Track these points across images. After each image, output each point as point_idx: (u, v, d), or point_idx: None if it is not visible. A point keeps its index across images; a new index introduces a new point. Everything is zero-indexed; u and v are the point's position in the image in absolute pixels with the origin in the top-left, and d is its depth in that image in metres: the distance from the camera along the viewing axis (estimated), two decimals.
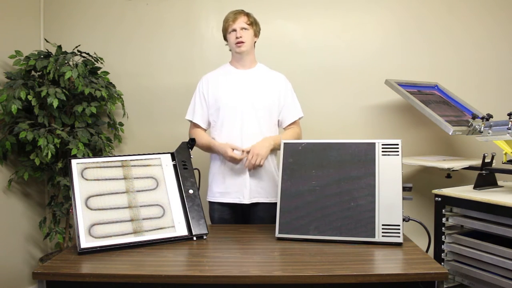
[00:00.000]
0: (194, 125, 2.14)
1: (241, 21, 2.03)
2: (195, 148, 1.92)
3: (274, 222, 2.10)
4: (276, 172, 2.11)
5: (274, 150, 2.09)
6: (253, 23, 2.08)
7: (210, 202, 2.12)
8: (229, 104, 2.04)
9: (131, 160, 1.72)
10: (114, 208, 1.60)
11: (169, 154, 1.80)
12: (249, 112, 2.03)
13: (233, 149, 1.97)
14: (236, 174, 2.04)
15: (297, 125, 2.17)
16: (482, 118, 2.08)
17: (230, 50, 2.14)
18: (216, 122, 2.08)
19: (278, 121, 2.15)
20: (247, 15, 2.07)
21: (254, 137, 2.02)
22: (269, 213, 2.07)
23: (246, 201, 2.04)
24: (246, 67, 2.11)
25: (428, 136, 2.82)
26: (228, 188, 2.06)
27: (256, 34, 2.12)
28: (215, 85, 2.10)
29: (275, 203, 2.07)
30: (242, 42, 2.03)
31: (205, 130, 2.15)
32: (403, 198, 1.56)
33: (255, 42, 2.13)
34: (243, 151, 1.98)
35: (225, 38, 2.13)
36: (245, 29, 2.04)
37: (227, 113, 2.04)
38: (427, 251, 1.59)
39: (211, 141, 2.06)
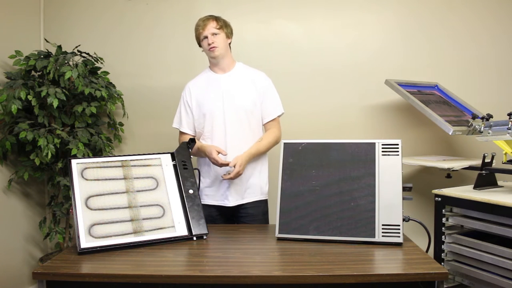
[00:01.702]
0: (182, 133, 2.17)
1: (211, 27, 2.07)
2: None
3: (266, 217, 2.11)
4: (261, 172, 2.14)
5: (256, 157, 2.11)
6: (223, 26, 2.10)
7: None
8: (212, 110, 2.06)
9: (131, 160, 1.72)
10: (114, 208, 1.60)
11: (169, 154, 1.80)
12: (231, 115, 2.05)
13: (218, 152, 1.99)
14: (221, 178, 2.06)
15: (276, 125, 2.17)
16: (482, 118, 2.08)
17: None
18: (204, 128, 2.10)
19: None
20: (216, 19, 2.10)
21: (237, 139, 2.05)
22: (258, 209, 2.12)
23: (231, 204, 2.07)
24: (225, 70, 2.13)
25: (428, 136, 2.81)
26: (214, 190, 2.10)
27: (229, 36, 2.14)
28: (197, 92, 2.12)
29: (263, 200, 2.15)
30: (215, 47, 2.06)
31: (193, 136, 2.16)
32: (403, 198, 1.56)
33: (230, 43, 2.16)
34: (228, 164, 1.98)
35: (200, 46, 2.16)
36: (216, 34, 2.07)
37: (210, 118, 2.07)
38: (427, 251, 1.59)
39: (198, 143, 2.08)
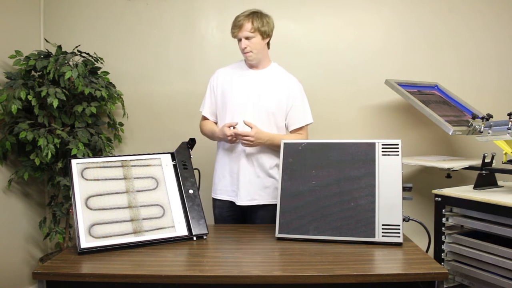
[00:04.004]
0: (204, 117, 2.17)
1: (244, 30, 1.98)
2: (195, 148, 1.92)
3: (275, 223, 2.09)
4: (276, 174, 2.10)
5: (276, 151, 2.05)
6: (259, 28, 1.99)
7: (213, 199, 2.15)
8: (233, 101, 2.04)
9: (131, 160, 1.72)
10: (114, 208, 1.60)
11: (169, 154, 1.80)
12: (252, 112, 2.02)
13: (230, 126, 1.93)
14: (233, 174, 2.05)
15: (304, 132, 2.12)
16: (482, 118, 2.08)
17: None
18: (221, 117, 2.09)
19: (286, 124, 2.12)
20: (252, 21, 1.98)
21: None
22: (270, 213, 2.05)
23: (239, 202, 2.02)
24: (259, 68, 2.10)
25: (428, 136, 2.81)
26: (227, 186, 2.08)
27: (264, 36, 2.03)
28: (224, 80, 2.10)
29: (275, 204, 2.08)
30: (249, 52, 2.01)
31: (215, 123, 2.15)
32: (403, 198, 1.56)
33: (268, 41, 2.08)
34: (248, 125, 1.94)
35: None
36: (249, 37, 1.99)
37: (230, 110, 2.05)
38: (427, 251, 1.59)
39: (213, 128, 2.08)
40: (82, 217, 1.54)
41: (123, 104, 2.80)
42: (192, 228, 1.65)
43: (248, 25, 1.98)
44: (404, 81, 2.61)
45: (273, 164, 2.07)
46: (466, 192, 1.95)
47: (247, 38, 1.99)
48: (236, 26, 2.01)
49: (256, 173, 2.04)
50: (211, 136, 2.12)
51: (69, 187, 1.91)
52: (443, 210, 2.00)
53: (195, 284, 1.31)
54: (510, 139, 1.88)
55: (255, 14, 2.01)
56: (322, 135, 2.73)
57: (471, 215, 1.90)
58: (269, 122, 2.04)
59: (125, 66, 2.89)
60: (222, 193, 2.09)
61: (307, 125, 2.12)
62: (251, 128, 1.93)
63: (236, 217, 2.12)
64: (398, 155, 1.61)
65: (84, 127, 2.56)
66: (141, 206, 1.64)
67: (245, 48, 2.00)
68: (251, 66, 2.11)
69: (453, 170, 2.19)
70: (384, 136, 2.74)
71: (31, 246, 2.75)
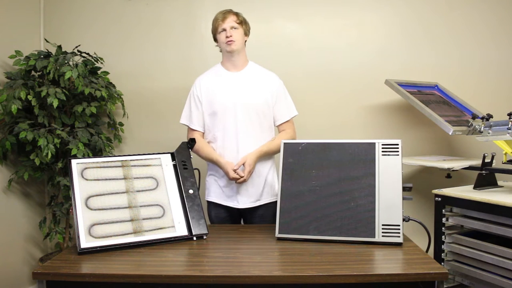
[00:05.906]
0: (192, 130, 2.12)
1: (231, 20, 2.03)
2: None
3: (275, 220, 2.10)
4: (272, 173, 2.12)
5: (266, 156, 2.08)
6: (243, 22, 2.07)
7: (208, 202, 2.14)
8: (223, 108, 2.03)
9: (131, 160, 1.72)
10: (114, 208, 1.60)
11: (169, 154, 1.80)
12: (243, 114, 2.02)
13: (234, 170, 1.96)
14: (230, 180, 2.03)
15: (290, 126, 2.14)
16: (482, 118, 2.08)
17: (221, 51, 2.12)
18: (211, 125, 2.07)
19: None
20: (236, 14, 2.07)
21: (249, 139, 2.02)
22: (269, 211, 2.08)
23: (241, 206, 2.04)
24: (238, 68, 2.09)
25: (428, 136, 2.82)
26: (225, 192, 2.07)
27: (246, 33, 2.11)
28: (208, 88, 2.08)
29: (275, 202, 2.07)
30: (233, 41, 2.02)
31: (203, 133, 2.12)
32: (403, 198, 1.56)
33: (245, 41, 2.12)
34: (239, 167, 1.98)
35: (215, 39, 2.12)
36: (235, 28, 2.03)
37: (221, 117, 2.03)
38: (427, 251, 1.59)
39: (214, 156, 2.03)
40: (82, 217, 1.54)
41: (123, 104, 2.81)
42: (192, 228, 1.65)
43: (234, 17, 2.05)
44: (404, 81, 2.61)
45: (268, 166, 2.11)
46: (466, 192, 1.96)
47: (232, 28, 2.03)
48: (221, 18, 2.04)
49: (252, 176, 2.04)
50: (210, 161, 2.09)
51: (69, 187, 1.91)
52: (443, 210, 2.00)
53: (195, 284, 1.31)
54: (510, 139, 1.88)
55: (238, 12, 2.09)
56: (322, 135, 2.74)
57: (471, 215, 1.90)
58: (259, 122, 2.05)
59: (125, 66, 2.89)
60: (220, 199, 2.08)
61: (292, 117, 2.15)
62: (244, 163, 1.97)
63: (235, 218, 2.12)
64: (398, 155, 1.61)
65: (84, 127, 2.56)
66: (141, 206, 1.64)
67: (231, 36, 2.01)
68: (230, 66, 2.10)
69: (453, 170, 2.19)
70: (384, 136, 2.74)
71: (31, 246, 2.75)
